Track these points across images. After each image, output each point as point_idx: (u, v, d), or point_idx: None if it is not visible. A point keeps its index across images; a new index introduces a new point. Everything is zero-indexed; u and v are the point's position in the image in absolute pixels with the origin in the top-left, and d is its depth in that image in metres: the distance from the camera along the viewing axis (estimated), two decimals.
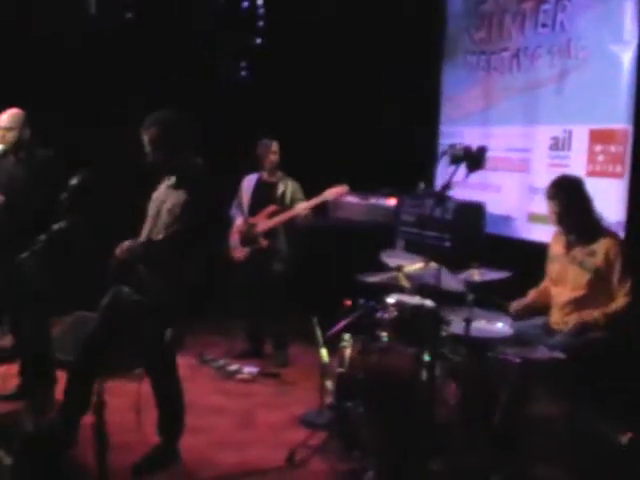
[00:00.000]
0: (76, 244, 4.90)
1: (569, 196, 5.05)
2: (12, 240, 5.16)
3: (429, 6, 7.94)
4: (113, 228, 4.98)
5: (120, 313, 4.63)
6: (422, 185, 7.45)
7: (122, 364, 5.43)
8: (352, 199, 7.50)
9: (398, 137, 7.75)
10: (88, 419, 4.26)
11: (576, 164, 6.30)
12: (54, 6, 7.45)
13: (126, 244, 4.59)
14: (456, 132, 7.82)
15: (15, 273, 5.13)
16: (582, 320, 4.90)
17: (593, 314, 4.91)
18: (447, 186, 4.46)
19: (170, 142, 4.63)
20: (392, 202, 7.56)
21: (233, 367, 6.63)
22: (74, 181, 4.54)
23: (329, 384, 5.16)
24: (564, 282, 5.13)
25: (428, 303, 4.98)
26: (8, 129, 5.47)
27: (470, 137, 7.38)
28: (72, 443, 4.66)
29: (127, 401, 4.95)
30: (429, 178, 7.72)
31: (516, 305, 5.34)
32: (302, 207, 6.72)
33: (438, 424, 4.72)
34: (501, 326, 4.94)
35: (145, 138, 4.65)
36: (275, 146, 6.85)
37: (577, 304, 5.02)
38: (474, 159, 4.45)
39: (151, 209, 4.75)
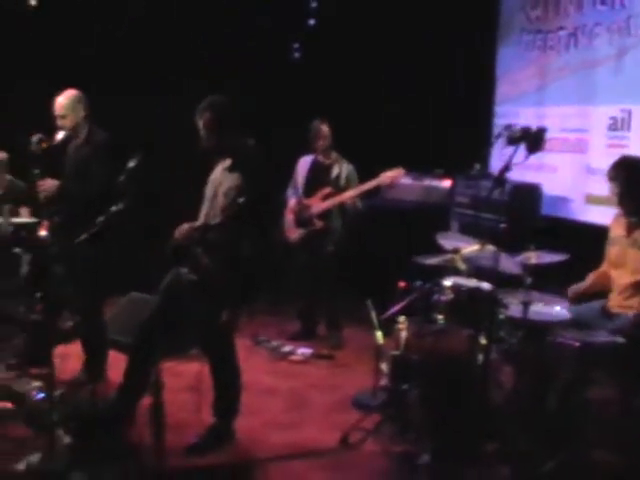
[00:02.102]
0: (131, 226, 4.94)
1: (630, 177, 4.95)
2: (71, 223, 5.20)
3: None
4: (170, 210, 5.01)
5: (178, 294, 4.68)
6: (477, 166, 7.38)
7: (179, 345, 5.46)
8: (406, 180, 7.41)
9: (452, 117, 7.67)
10: (145, 399, 4.31)
11: (636, 144, 6.17)
12: None
13: (185, 227, 4.64)
14: (511, 112, 7.73)
15: (73, 256, 5.18)
16: None
17: None
18: (506, 168, 4.39)
19: (223, 126, 4.66)
20: (446, 183, 7.51)
21: (287, 348, 6.67)
22: (131, 164, 4.56)
23: (384, 366, 5.15)
24: (624, 265, 5.03)
25: (485, 285, 4.93)
26: (64, 116, 5.48)
27: (525, 117, 7.29)
28: (130, 423, 4.72)
29: (182, 381, 5.01)
30: (483, 159, 7.63)
31: (574, 289, 5.26)
32: (356, 191, 6.67)
33: (493, 407, 4.70)
34: (559, 309, 4.88)
35: (199, 123, 4.69)
36: (325, 130, 6.76)
37: (638, 288, 4.92)
38: (534, 140, 4.38)
39: (208, 192, 4.78)
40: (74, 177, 5.50)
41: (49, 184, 5.40)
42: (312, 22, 8.44)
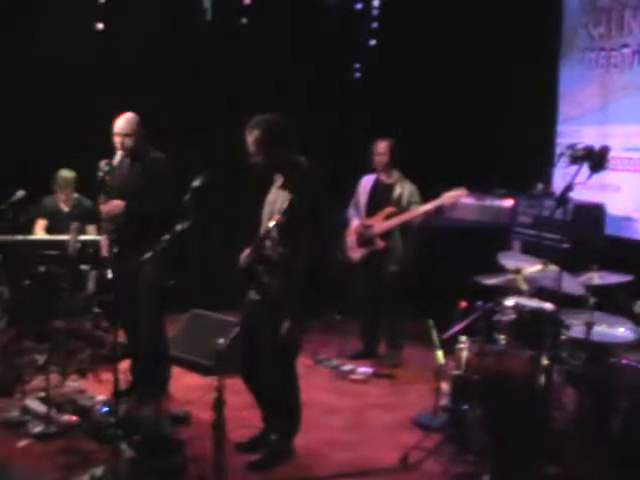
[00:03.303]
0: (194, 243, 5.00)
1: None
2: (133, 243, 5.27)
3: (545, 3, 7.80)
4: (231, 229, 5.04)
5: (250, 318, 4.79)
6: (540, 186, 7.32)
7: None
8: (467, 200, 7.38)
9: (514, 137, 7.64)
10: (207, 416, 4.33)
11: None
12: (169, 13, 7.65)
13: (247, 252, 4.68)
14: (573, 131, 7.65)
15: (137, 273, 5.24)
16: None
17: None
18: (569, 187, 4.37)
19: (270, 143, 4.65)
20: (508, 203, 7.45)
21: (347, 367, 6.67)
22: (196, 182, 4.62)
23: (444, 386, 5.14)
24: None
25: (547, 306, 4.89)
26: (126, 135, 5.54)
27: (588, 136, 7.21)
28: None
29: (244, 398, 5.03)
30: (546, 178, 7.56)
31: None
32: (418, 211, 6.66)
33: (555, 429, 4.65)
34: (623, 330, 4.81)
35: (249, 139, 4.69)
36: (382, 147, 6.76)
37: None
38: (597, 159, 4.35)
39: (265, 212, 4.81)
40: (129, 196, 5.52)
41: (113, 205, 5.48)
42: (373, 42, 8.49)
